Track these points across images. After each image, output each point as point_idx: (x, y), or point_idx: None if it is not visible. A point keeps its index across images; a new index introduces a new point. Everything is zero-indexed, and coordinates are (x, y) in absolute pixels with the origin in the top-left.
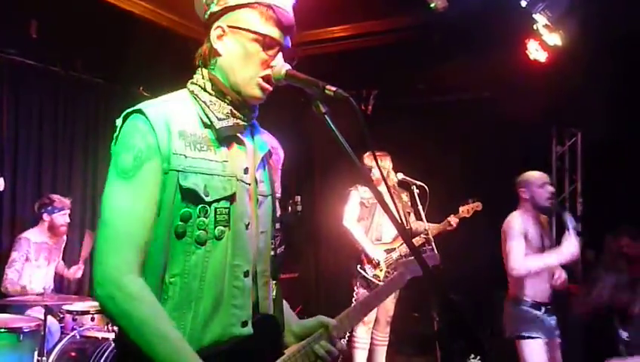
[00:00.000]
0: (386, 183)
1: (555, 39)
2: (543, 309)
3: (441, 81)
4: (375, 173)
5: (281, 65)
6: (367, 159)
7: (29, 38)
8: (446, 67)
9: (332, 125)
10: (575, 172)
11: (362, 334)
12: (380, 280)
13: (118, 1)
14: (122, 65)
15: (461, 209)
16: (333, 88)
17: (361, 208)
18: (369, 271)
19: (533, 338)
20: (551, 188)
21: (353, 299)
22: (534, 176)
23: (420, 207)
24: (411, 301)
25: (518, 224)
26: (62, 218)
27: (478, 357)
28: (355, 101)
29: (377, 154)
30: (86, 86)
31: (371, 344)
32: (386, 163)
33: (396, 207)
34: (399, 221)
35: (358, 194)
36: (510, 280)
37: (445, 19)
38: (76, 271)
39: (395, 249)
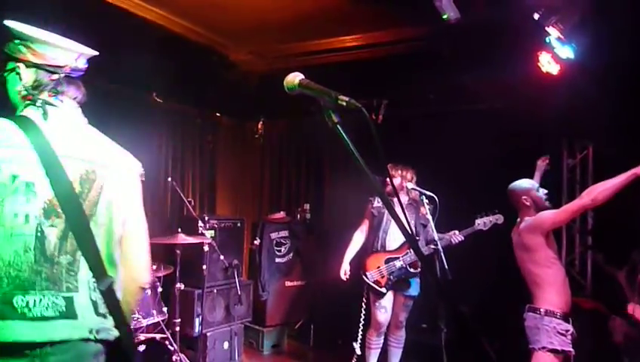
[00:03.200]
0: (397, 194)
1: (567, 52)
2: (570, 321)
3: (452, 92)
4: (398, 185)
5: (294, 75)
6: (390, 169)
7: None
8: (457, 78)
9: (344, 135)
10: (586, 184)
11: (374, 337)
12: (381, 286)
13: (129, 7)
14: (138, 71)
15: (477, 221)
16: (346, 98)
17: (372, 217)
18: (370, 277)
19: (565, 351)
20: (544, 190)
21: (363, 304)
22: (529, 182)
23: (430, 218)
24: (420, 312)
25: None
26: None
27: None
28: (366, 110)
29: (399, 166)
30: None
31: (387, 346)
32: (408, 174)
33: (406, 217)
34: (409, 231)
35: (372, 204)
36: (538, 291)
37: (457, 31)
38: None
39: (398, 258)
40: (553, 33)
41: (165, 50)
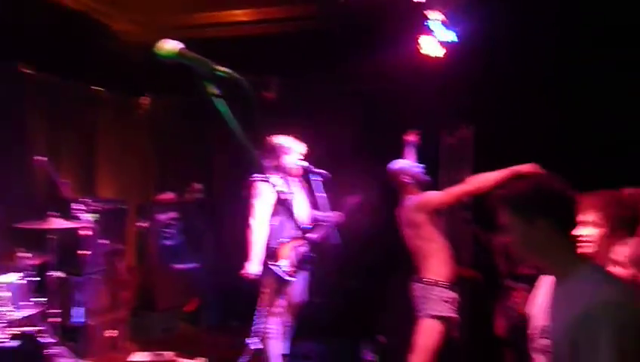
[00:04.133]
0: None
1: (448, 35)
2: (454, 289)
3: (342, 71)
4: (288, 162)
5: (170, 42)
6: (282, 140)
7: None
8: (346, 57)
9: (222, 107)
10: (465, 163)
11: (275, 325)
12: (289, 275)
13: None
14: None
15: (348, 203)
16: (226, 69)
17: (276, 203)
18: (283, 268)
19: (450, 317)
20: (421, 165)
21: (263, 294)
22: (404, 161)
23: (324, 196)
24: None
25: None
26: None
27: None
28: (257, 88)
29: (291, 138)
30: None
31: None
32: (299, 150)
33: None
34: (297, 221)
35: (271, 186)
36: (424, 263)
37: (346, 10)
38: None
39: (304, 243)
40: (436, 17)
41: (36, 16)
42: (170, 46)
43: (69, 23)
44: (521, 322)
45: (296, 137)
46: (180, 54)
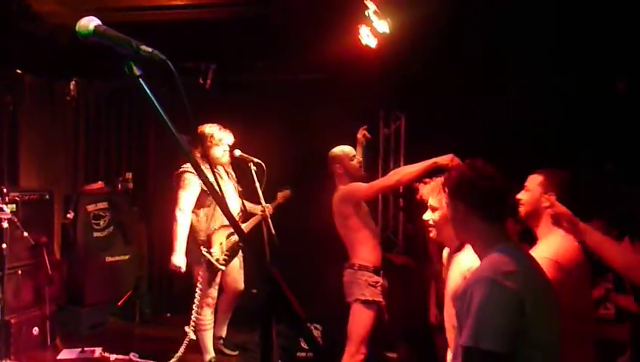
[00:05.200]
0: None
1: (383, 26)
2: (381, 274)
3: (280, 60)
4: (216, 151)
5: (88, 19)
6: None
7: None
8: (285, 46)
9: (147, 90)
10: (399, 153)
11: (209, 316)
12: (221, 264)
13: None
14: None
15: (278, 195)
16: (150, 49)
17: (202, 193)
18: (214, 255)
19: (375, 302)
20: (359, 158)
21: (198, 284)
22: (343, 150)
23: (258, 185)
24: (249, 277)
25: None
26: None
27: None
28: (194, 75)
29: (218, 127)
30: None
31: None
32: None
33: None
34: (229, 211)
35: (196, 177)
36: (352, 250)
37: None
38: None
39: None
40: (371, 7)
41: None
42: (84, 23)
43: None
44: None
45: (228, 126)
46: (97, 32)
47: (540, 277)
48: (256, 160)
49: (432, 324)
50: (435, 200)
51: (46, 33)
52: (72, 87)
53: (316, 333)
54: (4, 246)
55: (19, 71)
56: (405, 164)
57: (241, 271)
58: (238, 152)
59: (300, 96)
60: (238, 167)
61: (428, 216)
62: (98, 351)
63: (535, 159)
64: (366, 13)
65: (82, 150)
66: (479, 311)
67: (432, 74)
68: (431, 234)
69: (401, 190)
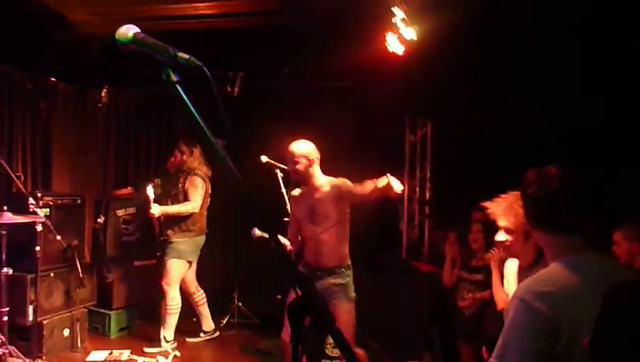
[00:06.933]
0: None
1: (411, 33)
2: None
3: (306, 67)
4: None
5: (127, 27)
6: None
7: None
8: (311, 53)
9: (184, 95)
10: (425, 160)
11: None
12: None
13: None
14: None
15: None
16: (186, 55)
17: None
18: None
19: None
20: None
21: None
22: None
23: (284, 191)
24: (275, 284)
25: None
26: None
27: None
28: (221, 82)
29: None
30: None
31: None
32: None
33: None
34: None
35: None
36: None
37: (311, 6)
38: None
39: None
40: (398, 14)
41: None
42: (124, 31)
43: (24, 12)
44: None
45: (255, 132)
46: (135, 39)
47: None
48: (283, 166)
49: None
50: (507, 221)
51: (78, 42)
52: (103, 94)
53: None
54: (37, 249)
55: (53, 79)
56: (432, 171)
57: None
58: (265, 158)
59: (326, 104)
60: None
61: (501, 237)
62: (126, 354)
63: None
64: (393, 20)
65: (112, 156)
66: (507, 330)
67: (459, 81)
68: (503, 254)
69: (427, 197)
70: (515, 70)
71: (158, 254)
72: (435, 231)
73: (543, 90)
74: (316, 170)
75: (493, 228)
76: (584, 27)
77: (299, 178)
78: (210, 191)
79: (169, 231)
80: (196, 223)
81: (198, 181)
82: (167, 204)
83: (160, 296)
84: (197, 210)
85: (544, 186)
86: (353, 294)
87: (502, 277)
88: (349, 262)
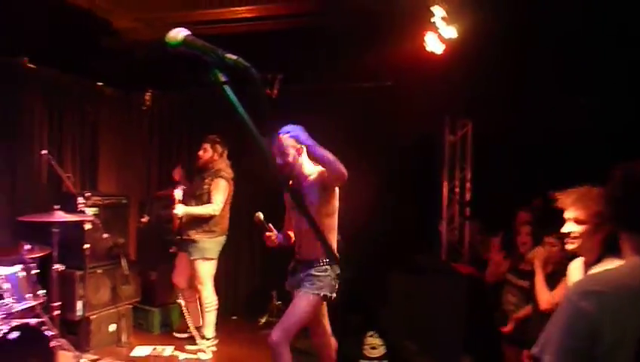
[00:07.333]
0: None
1: (450, 32)
2: None
3: (345, 68)
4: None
5: (178, 30)
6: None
7: None
8: (348, 54)
9: (232, 96)
10: (465, 160)
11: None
12: None
13: None
14: (5, 33)
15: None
16: (234, 56)
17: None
18: None
19: None
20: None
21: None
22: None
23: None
24: None
25: None
26: None
27: (376, 334)
28: (261, 85)
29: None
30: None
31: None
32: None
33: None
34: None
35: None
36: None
37: (349, 6)
38: None
39: None
40: (438, 13)
41: (39, 13)
42: (176, 34)
43: (72, 20)
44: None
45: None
46: (185, 42)
47: None
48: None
49: (501, 333)
50: (577, 211)
51: (123, 48)
52: (147, 97)
53: (378, 342)
54: (85, 246)
55: (100, 83)
56: (472, 171)
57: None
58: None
59: (364, 104)
60: None
61: (569, 228)
62: (169, 350)
63: (606, 166)
64: (432, 19)
65: (156, 157)
66: (552, 324)
67: (500, 79)
68: (567, 247)
69: (467, 198)
70: (559, 68)
71: (171, 251)
72: (476, 235)
73: (587, 88)
74: (304, 159)
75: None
76: (631, 24)
77: (289, 169)
78: (232, 193)
79: (192, 231)
80: (218, 224)
81: (223, 184)
82: (192, 205)
83: (176, 294)
84: (218, 213)
85: (630, 183)
86: (324, 292)
87: (546, 277)
88: (331, 257)
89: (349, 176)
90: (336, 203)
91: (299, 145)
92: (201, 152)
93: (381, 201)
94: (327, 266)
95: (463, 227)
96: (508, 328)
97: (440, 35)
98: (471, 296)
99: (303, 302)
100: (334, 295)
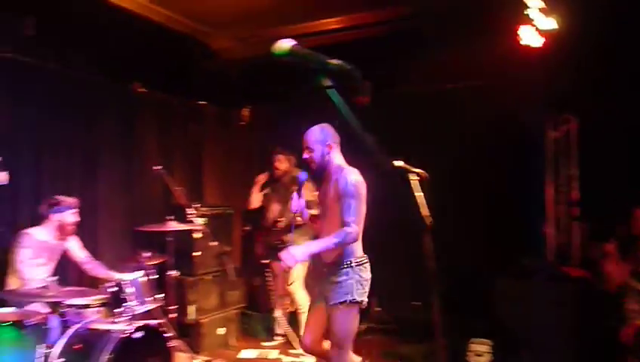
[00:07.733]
0: None
1: (550, 23)
2: None
3: (436, 70)
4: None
5: (284, 42)
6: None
7: (24, 35)
8: (440, 56)
9: (337, 100)
10: (570, 157)
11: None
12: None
13: None
14: (119, 62)
15: None
16: (338, 61)
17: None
18: None
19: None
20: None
21: None
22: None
23: (422, 195)
24: (412, 290)
25: None
26: (71, 217)
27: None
28: (351, 94)
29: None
30: (83, 84)
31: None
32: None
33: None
34: None
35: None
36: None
37: (436, 8)
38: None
39: None
40: (534, 4)
41: (147, 40)
42: (282, 44)
43: (175, 46)
44: None
45: (386, 137)
46: (292, 51)
47: None
48: (417, 170)
49: (621, 343)
50: None
51: (221, 68)
52: (245, 113)
53: (484, 349)
54: (195, 254)
55: (203, 102)
56: (579, 168)
57: None
58: (399, 163)
59: (459, 105)
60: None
61: None
62: (274, 354)
63: None
64: (525, 12)
65: (256, 169)
66: None
67: (605, 71)
68: None
69: (574, 197)
70: None
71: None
72: (588, 241)
73: None
74: (335, 157)
75: None
76: None
77: (316, 167)
78: None
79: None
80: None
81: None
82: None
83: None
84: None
85: None
86: (353, 297)
87: None
88: (352, 259)
89: (443, 177)
90: (362, 208)
91: (329, 142)
92: (277, 164)
93: (484, 204)
94: (348, 269)
95: (570, 228)
96: (628, 338)
97: (536, 27)
98: (585, 303)
99: (337, 318)
100: (364, 300)
